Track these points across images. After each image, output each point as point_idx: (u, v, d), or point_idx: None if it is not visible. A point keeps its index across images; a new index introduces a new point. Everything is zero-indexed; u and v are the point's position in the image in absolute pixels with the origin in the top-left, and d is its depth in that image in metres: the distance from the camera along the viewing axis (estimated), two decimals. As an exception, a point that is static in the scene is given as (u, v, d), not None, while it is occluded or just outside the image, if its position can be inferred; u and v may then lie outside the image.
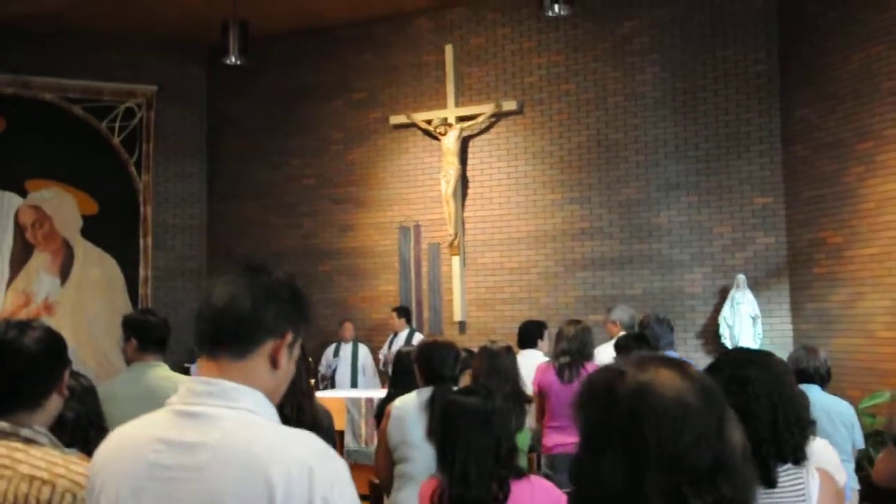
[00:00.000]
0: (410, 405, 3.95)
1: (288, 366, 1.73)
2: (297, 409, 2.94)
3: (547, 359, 5.91)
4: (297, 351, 1.78)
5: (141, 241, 11.74)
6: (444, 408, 3.03)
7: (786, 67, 9.14)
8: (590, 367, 5.34)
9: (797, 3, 8.97)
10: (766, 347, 8.87)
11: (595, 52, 10.07)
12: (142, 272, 11.73)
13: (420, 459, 3.73)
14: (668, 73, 9.70)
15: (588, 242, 9.98)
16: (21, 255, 11.22)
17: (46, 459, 1.93)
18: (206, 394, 1.61)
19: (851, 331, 8.20)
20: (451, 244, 10.47)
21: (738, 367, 2.34)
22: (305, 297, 1.80)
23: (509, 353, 5.03)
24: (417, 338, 9.41)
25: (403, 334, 9.89)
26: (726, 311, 8.99)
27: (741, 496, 1.27)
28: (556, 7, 8.50)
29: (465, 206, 10.54)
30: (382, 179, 11.14)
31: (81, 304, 11.42)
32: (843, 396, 8.00)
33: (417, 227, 10.73)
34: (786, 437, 2.24)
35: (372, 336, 10.75)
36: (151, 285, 11.76)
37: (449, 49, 10.70)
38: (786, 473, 2.27)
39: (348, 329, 10.48)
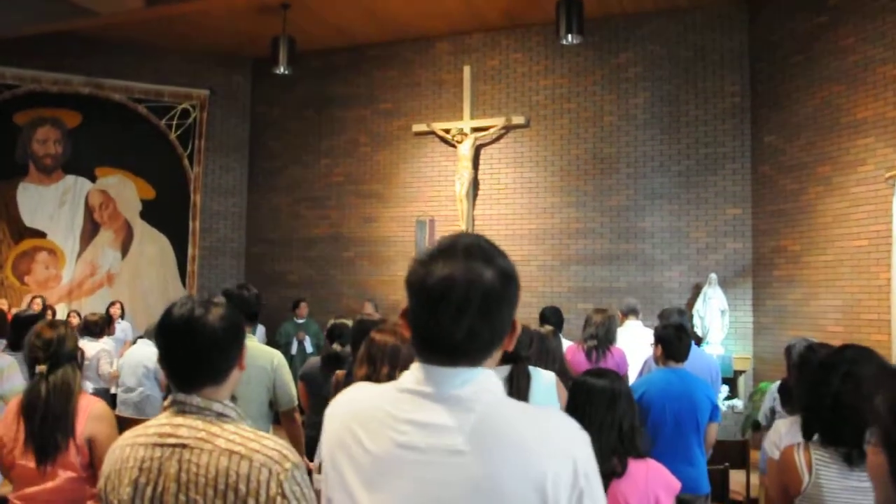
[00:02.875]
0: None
1: None
2: None
3: (568, 342, 5.92)
4: None
5: (190, 224, 12.02)
6: (576, 387, 2.91)
7: (756, 99, 9.49)
8: (615, 350, 5.60)
9: (768, 47, 9.30)
10: (731, 337, 9.32)
11: (594, 77, 10.41)
12: (190, 251, 12.02)
13: None
14: (657, 99, 10.05)
15: (582, 241, 10.31)
16: (89, 231, 11.52)
17: (240, 434, 1.80)
18: (451, 376, 1.38)
19: (805, 325, 8.52)
20: (462, 238, 10.75)
21: (854, 364, 2.45)
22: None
23: (556, 336, 5.16)
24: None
25: None
26: (699, 304, 9.31)
27: None
28: (570, 37, 8.83)
29: (476, 205, 10.84)
30: (403, 179, 11.44)
31: (138, 276, 11.71)
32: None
33: (433, 221, 11.02)
34: None
35: (390, 314, 11.01)
36: (198, 263, 12.05)
37: (467, 69, 11.01)
38: None
39: (368, 307, 10.71)
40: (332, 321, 6.31)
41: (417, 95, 11.43)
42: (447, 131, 10.96)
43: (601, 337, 5.52)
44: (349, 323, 5.55)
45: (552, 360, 4.65)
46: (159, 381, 7.63)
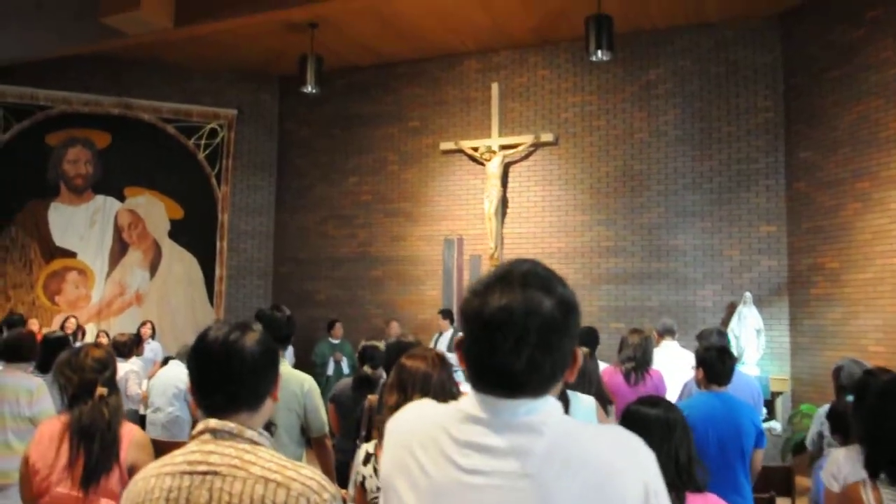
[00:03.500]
0: None
1: None
2: None
3: (603, 364, 5.77)
4: None
5: (218, 244, 12.01)
6: (628, 417, 2.68)
7: (791, 115, 9.32)
8: (653, 373, 5.44)
9: (803, 62, 9.14)
10: (768, 357, 9.10)
11: (624, 94, 10.29)
12: (217, 271, 12.00)
13: None
14: (688, 115, 9.91)
15: (612, 259, 10.16)
16: (118, 251, 11.55)
17: (276, 462, 1.72)
18: (513, 406, 1.33)
19: (845, 345, 8.31)
20: (490, 256, 10.67)
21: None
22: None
23: (593, 358, 5.04)
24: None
25: (448, 334, 10.04)
26: (734, 323, 9.11)
27: None
28: (600, 53, 8.71)
29: (505, 223, 10.73)
30: (431, 197, 11.36)
31: (166, 295, 11.70)
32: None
33: (461, 240, 10.92)
34: None
35: (416, 334, 10.83)
36: (226, 283, 12.02)
37: (495, 87, 10.94)
38: None
39: (394, 327, 10.62)
40: (363, 343, 6.22)
41: (445, 113, 11.37)
42: (475, 149, 10.88)
43: (639, 358, 5.36)
44: (380, 345, 5.45)
45: (589, 382, 4.54)
46: (189, 402, 7.57)
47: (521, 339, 1.30)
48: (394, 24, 10.27)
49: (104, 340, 9.91)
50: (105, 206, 11.49)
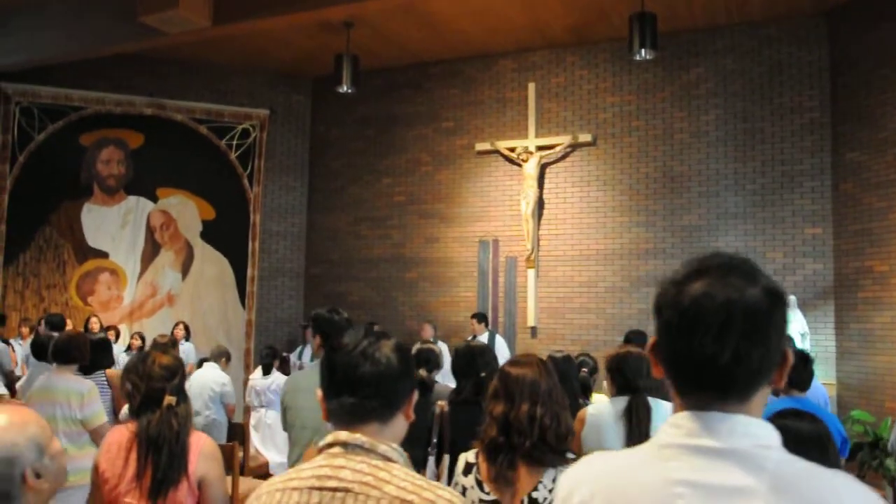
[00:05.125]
0: (605, 413, 3.63)
1: None
2: (555, 419, 2.57)
3: None
4: None
5: (249, 245, 11.94)
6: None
7: (837, 115, 9.13)
8: None
9: (850, 61, 8.96)
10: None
11: (663, 94, 10.14)
12: (249, 271, 11.92)
13: None
14: (730, 115, 9.74)
15: (652, 262, 10.01)
16: (150, 252, 11.50)
17: (412, 481, 1.58)
18: (729, 423, 1.20)
19: (894, 350, 8.15)
20: (527, 258, 10.55)
21: None
22: None
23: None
24: (497, 340, 9.44)
25: (483, 337, 9.92)
26: (779, 327, 8.91)
27: None
28: (643, 52, 8.56)
29: (541, 225, 10.60)
30: (466, 198, 11.24)
31: (198, 296, 11.64)
32: (883, 411, 8.05)
33: (496, 241, 10.82)
34: None
35: (451, 336, 10.80)
36: (257, 284, 11.95)
37: (531, 86, 10.81)
38: None
39: (427, 330, 10.50)
40: (418, 345, 6.10)
41: (480, 113, 11.25)
42: (512, 150, 10.75)
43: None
44: (435, 348, 5.32)
45: (657, 388, 4.34)
46: (225, 405, 7.49)
47: (725, 325, 1.17)
48: (430, 24, 10.17)
49: (137, 342, 9.84)
50: (137, 207, 11.44)
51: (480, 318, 10.01)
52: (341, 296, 11.86)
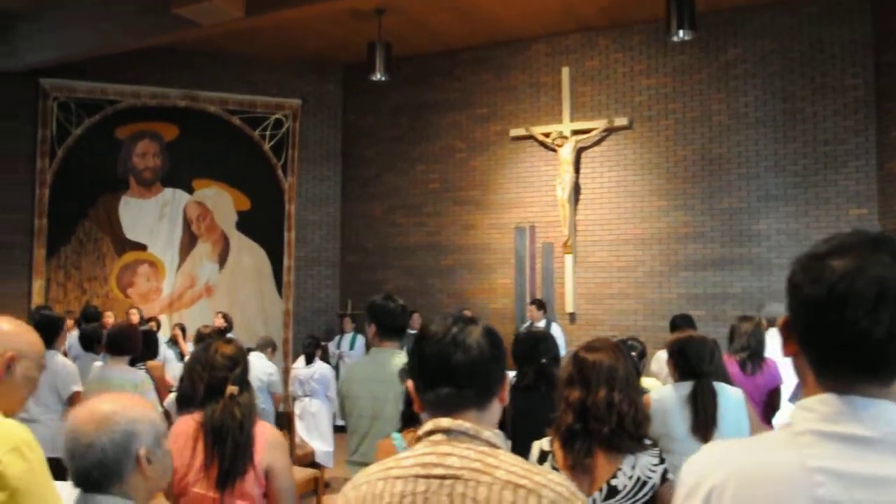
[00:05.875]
0: (669, 398, 3.56)
1: None
2: (633, 405, 2.51)
3: None
4: None
5: (285, 235, 11.98)
6: None
7: (882, 93, 8.95)
8: (769, 362, 5.14)
9: (895, 37, 8.78)
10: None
11: (700, 75, 10.00)
12: (285, 261, 11.97)
13: (682, 453, 3.09)
14: (770, 96, 9.59)
15: (691, 245, 9.91)
16: (188, 243, 11.58)
17: (521, 466, 1.54)
18: (878, 409, 1.13)
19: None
20: (564, 244, 10.49)
21: None
22: None
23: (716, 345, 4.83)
24: (554, 327, 9.38)
25: (540, 324, 9.81)
26: (823, 310, 8.77)
27: None
28: (681, 32, 8.44)
29: (578, 209, 10.53)
30: (501, 185, 11.19)
31: (235, 287, 11.71)
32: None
33: (532, 227, 10.78)
34: None
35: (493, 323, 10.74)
36: (294, 273, 11.99)
37: (565, 71, 10.72)
38: None
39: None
40: None
41: (514, 99, 11.17)
42: (547, 135, 10.67)
43: (753, 347, 5.11)
44: None
45: (715, 372, 4.27)
46: (272, 395, 7.52)
47: (879, 298, 1.10)
48: (461, 9, 10.10)
49: (179, 333, 9.92)
50: (174, 199, 11.52)
51: (539, 304, 9.94)
52: (378, 284, 11.86)
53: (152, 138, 11.51)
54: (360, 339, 10.88)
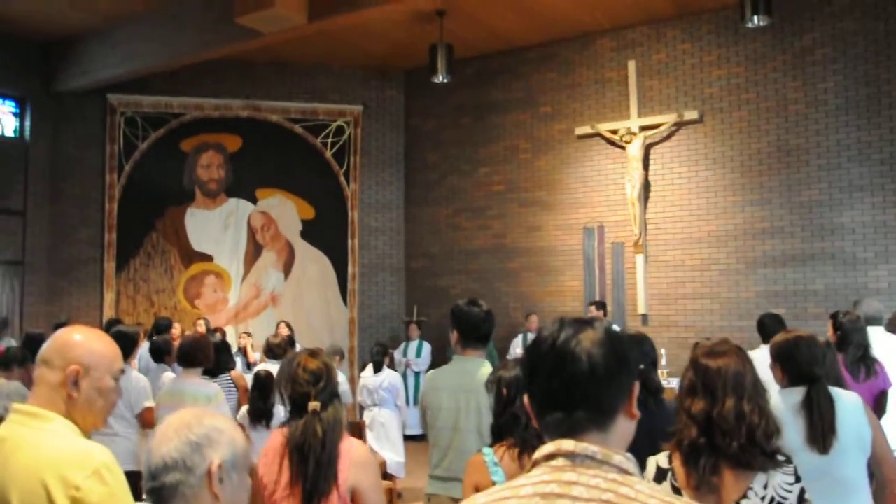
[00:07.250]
0: (778, 406, 3.08)
1: None
2: (763, 415, 2.29)
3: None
4: None
5: (349, 242, 11.91)
6: None
7: (973, 73, 8.46)
8: (878, 365, 4.75)
9: None
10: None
11: (775, 63, 9.59)
12: (350, 269, 11.90)
13: (798, 466, 2.63)
14: (851, 81, 9.14)
15: (769, 241, 9.50)
16: (252, 253, 11.59)
17: (660, 498, 1.33)
18: None
19: None
20: (634, 243, 10.18)
21: None
22: None
23: (830, 347, 4.44)
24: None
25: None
26: (915, 305, 8.34)
27: None
28: (756, 18, 8.09)
29: (648, 207, 10.21)
30: (568, 185, 10.92)
31: (300, 296, 11.67)
32: None
33: (601, 227, 10.49)
34: None
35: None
36: (358, 281, 11.90)
37: (632, 65, 10.41)
38: None
39: (534, 321, 10.28)
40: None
41: (579, 96, 10.90)
42: (614, 132, 10.37)
43: (866, 347, 4.74)
44: None
45: (826, 376, 3.90)
46: (343, 405, 7.37)
47: None
48: (523, 6, 9.89)
49: (247, 342, 9.88)
50: (238, 209, 11.54)
51: (599, 305, 9.70)
52: (443, 289, 11.70)
53: (216, 149, 11.56)
54: (427, 347, 10.72)
